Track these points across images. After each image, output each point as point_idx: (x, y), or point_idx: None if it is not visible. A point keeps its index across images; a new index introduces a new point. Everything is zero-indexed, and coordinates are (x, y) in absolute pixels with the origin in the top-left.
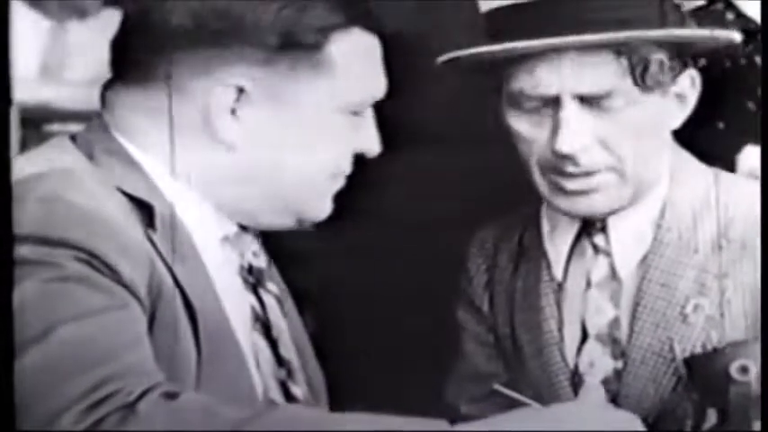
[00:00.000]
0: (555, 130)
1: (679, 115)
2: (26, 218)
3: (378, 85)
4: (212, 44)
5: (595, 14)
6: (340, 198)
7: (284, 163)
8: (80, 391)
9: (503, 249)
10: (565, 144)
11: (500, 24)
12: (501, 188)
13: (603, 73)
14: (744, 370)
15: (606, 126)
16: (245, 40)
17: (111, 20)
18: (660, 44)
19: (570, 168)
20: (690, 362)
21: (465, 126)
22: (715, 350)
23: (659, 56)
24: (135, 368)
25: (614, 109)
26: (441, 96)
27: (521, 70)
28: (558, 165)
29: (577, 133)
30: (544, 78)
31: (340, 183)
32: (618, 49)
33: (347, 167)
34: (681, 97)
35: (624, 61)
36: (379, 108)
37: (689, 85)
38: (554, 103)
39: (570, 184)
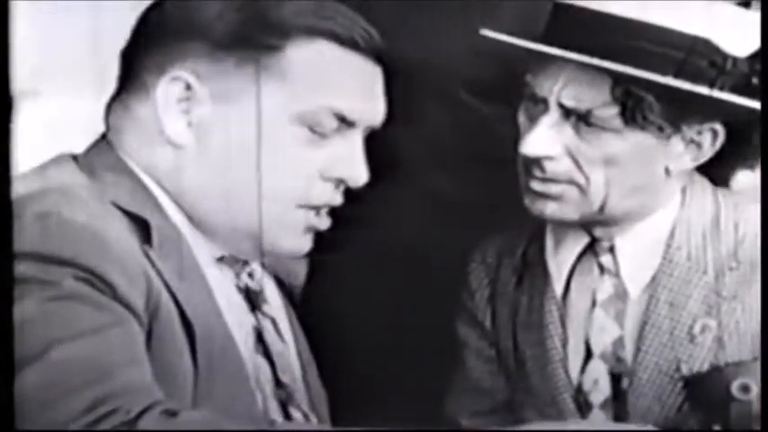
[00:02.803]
0: (529, 130)
1: (686, 158)
2: (23, 236)
3: (337, 104)
4: (166, 38)
5: (615, 40)
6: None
7: (239, 171)
8: (78, 409)
9: (505, 263)
10: (527, 147)
11: (559, 23)
12: (501, 206)
13: (591, 92)
14: (745, 389)
15: (581, 144)
16: (195, 34)
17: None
18: (660, 88)
19: (535, 171)
20: (690, 381)
21: (463, 149)
22: (716, 369)
23: (651, 98)
24: (133, 386)
25: (594, 131)
26: (438, 121)
27: (539, 65)
28: (528, 163)
29: (546, 140)
30: (542, 79)
31: (322, 220)
32: (617, 77)
33: (325, 198)
34: (697, 144)
35: (618, 91)
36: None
37: (710, 137)
38: (543, 104)
39: (534, 184)
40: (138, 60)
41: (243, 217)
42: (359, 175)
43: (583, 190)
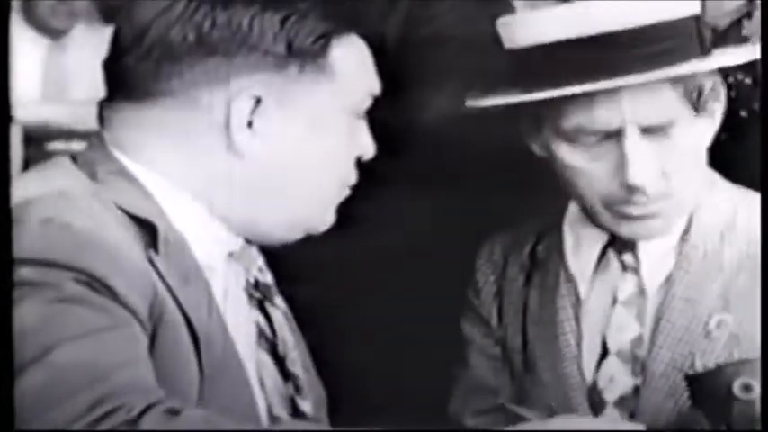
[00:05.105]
0: (622, 163)
1: (710, 133)
2: (24, 241)
3: (373, 86)
4: (218, 55)
5: (639, 49)
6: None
7: (298, 171)
8: (80, 409)
9: (512, 261)
10: (636, 177)
11: (542, 65)
12: (507, 197)
13: (663, 103)
14: (747, 388)
15: (666, 154)
16: (254, 49)
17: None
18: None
19: (637, 198)
20: (692, 379)
21: (466, 132)
22: (718, 368)
23: (711, 79)
24: (134, 385)
25: (674, 135)
26: (440, 100)
27: (576, 107)
28: (626, 196)
29: (645, 164)
30: (604, 114)
31: (345, 193)
32: (673, 79)
33: (353, 176)
34: (711, 113)
35: (680, 89)
36: (376, 113)
37: (717, 99)
38: (616, 136)
39: (635, 210)
40: (166, 72)
41: (296, 204)
42: (371, 147)
43: (674, 198)
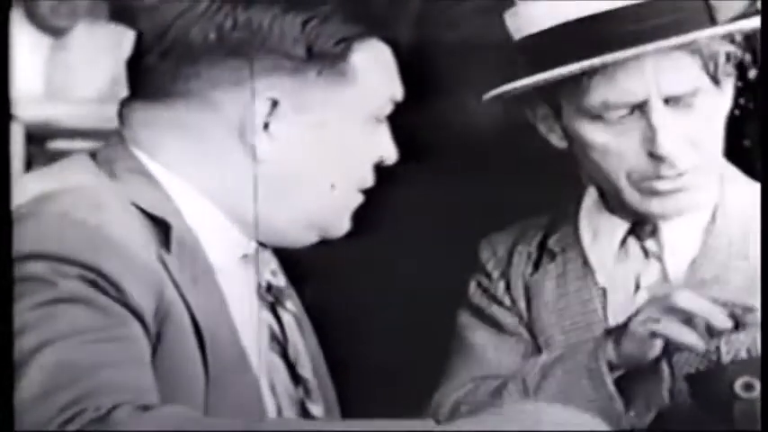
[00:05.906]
0: (649, 134)
1: (726, 109)
2: (37, 235)
3: (396, 92)
4: (238, 56)
5: (650, 21)
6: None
7: (314, 175)
8: (53, 409)
9: (517, 253)
10: (665, 146)
11: (555, 46)
12: (515, 196)
13: (685, 73)
14: (748, 387)
15: (691, 124)
16: (273, 52)
17: (115, 36)
18: (725, 37)
19: (665, 171)
20: (692, 379)
21: (480, 136)
22: (720, 366)
23: (726, 48)
24: (110, 386)
25: (697, 106)
26: (457, 107)
27: (600, 82)
28: (654, 168)
29: (672, 133)
30: (628, 85)
31: (360, 198)
32: (690, 48)
33: (370, 179)
34: (725, 88)
35: (699, 59)
36: (398, 119)
37: (729, 75)
38: (640, 109)
39: (663, 185)
40: (185, 72)
41: (312, 208)
42: (393, 152)
43: (703, 169)
